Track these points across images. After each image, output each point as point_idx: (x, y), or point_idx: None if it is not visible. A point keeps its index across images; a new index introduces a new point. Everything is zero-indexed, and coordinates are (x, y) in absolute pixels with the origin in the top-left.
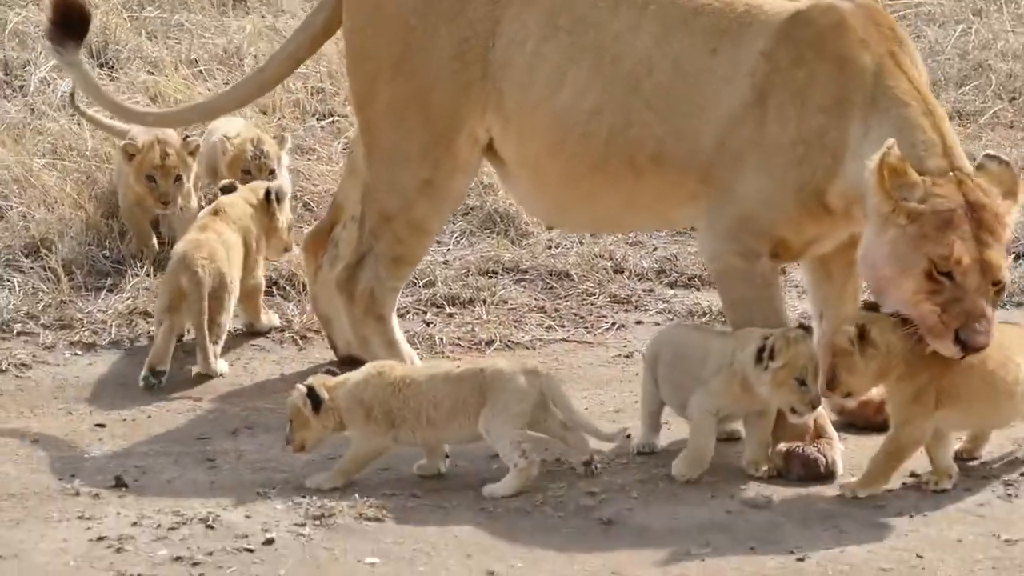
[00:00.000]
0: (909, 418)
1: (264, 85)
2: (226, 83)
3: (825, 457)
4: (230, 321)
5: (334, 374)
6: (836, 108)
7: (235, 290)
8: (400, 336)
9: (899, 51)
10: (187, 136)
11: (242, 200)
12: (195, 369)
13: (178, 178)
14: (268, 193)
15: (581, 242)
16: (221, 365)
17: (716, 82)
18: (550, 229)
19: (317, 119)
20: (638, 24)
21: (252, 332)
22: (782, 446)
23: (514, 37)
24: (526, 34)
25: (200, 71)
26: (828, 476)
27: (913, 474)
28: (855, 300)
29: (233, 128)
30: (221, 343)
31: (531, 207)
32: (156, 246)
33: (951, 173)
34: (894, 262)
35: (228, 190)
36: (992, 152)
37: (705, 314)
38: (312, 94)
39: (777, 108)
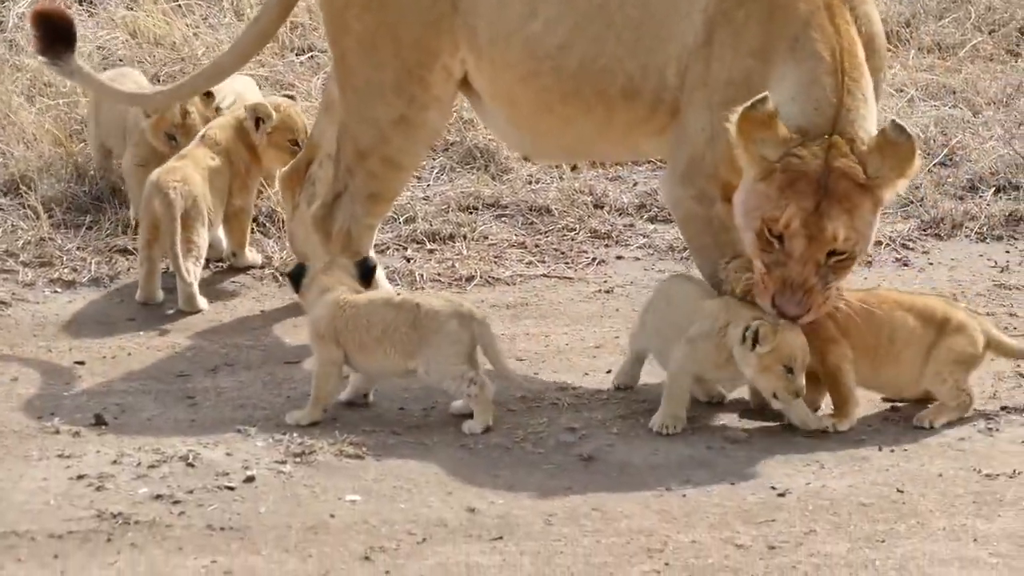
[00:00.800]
0: (822, 349)
1: (262, 35)
2: (204, 18)
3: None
4: (206, 244)
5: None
6: (762, 53)
7: (216, 218)
8: (379, 273)
9: (838, 4)
10: (209, 92)
11: (233, 121)
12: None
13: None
14: (244, 110)
15: (561, 177)
16: (201, 301)
17: (678, 17)
18: (526, 159)
19: (296, 54)
20: None
21: (233, 267)
22: None
23: None
24: None
25: (179, 5)
26: None
27: (893, 408)
28: None
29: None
30: (199, 266)
31: (507, 138)
32: None
33: (828, 136)
34: (743, 214)
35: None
36: (899, 121)
37: (685, 248)
38: (291, 29)
39: (719, 46)
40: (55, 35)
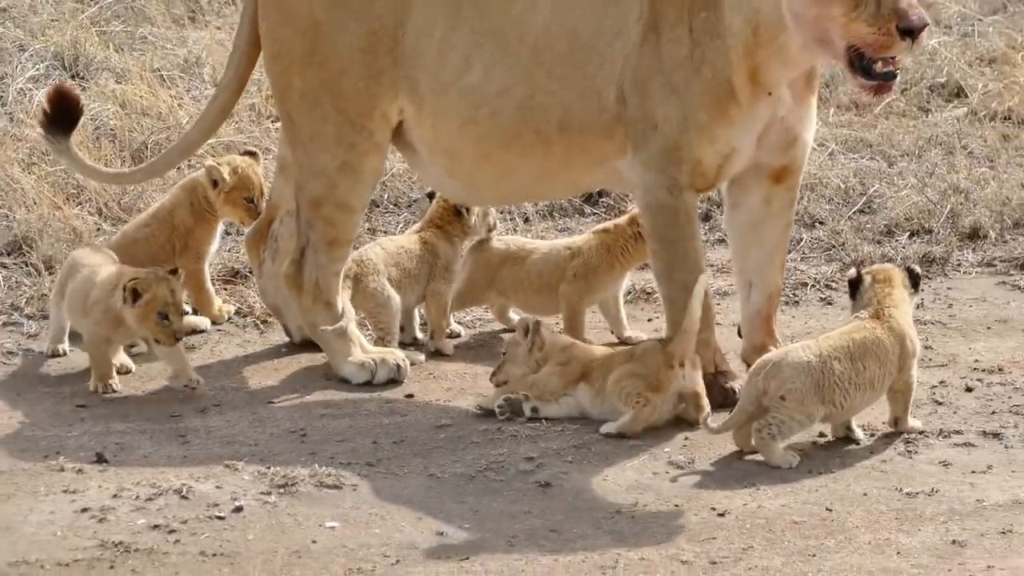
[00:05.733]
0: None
1: (223, 111)
2: (188, 90)
3: None
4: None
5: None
6: None
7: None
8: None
9: None
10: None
11: (187, 185)
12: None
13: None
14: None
15: None
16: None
17: (609, 37)
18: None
19: (272, 121)
20: (535, 3)
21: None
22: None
23: (423, 28)
24: (434, 25)
25: (163, 77)
26: None
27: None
28: (781, 272)
29: None
30: None
31: (445, 188)
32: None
33: None
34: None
35: None
36: None
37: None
38: (266, 99)
39: (670, 30)
40: (61, 116)
